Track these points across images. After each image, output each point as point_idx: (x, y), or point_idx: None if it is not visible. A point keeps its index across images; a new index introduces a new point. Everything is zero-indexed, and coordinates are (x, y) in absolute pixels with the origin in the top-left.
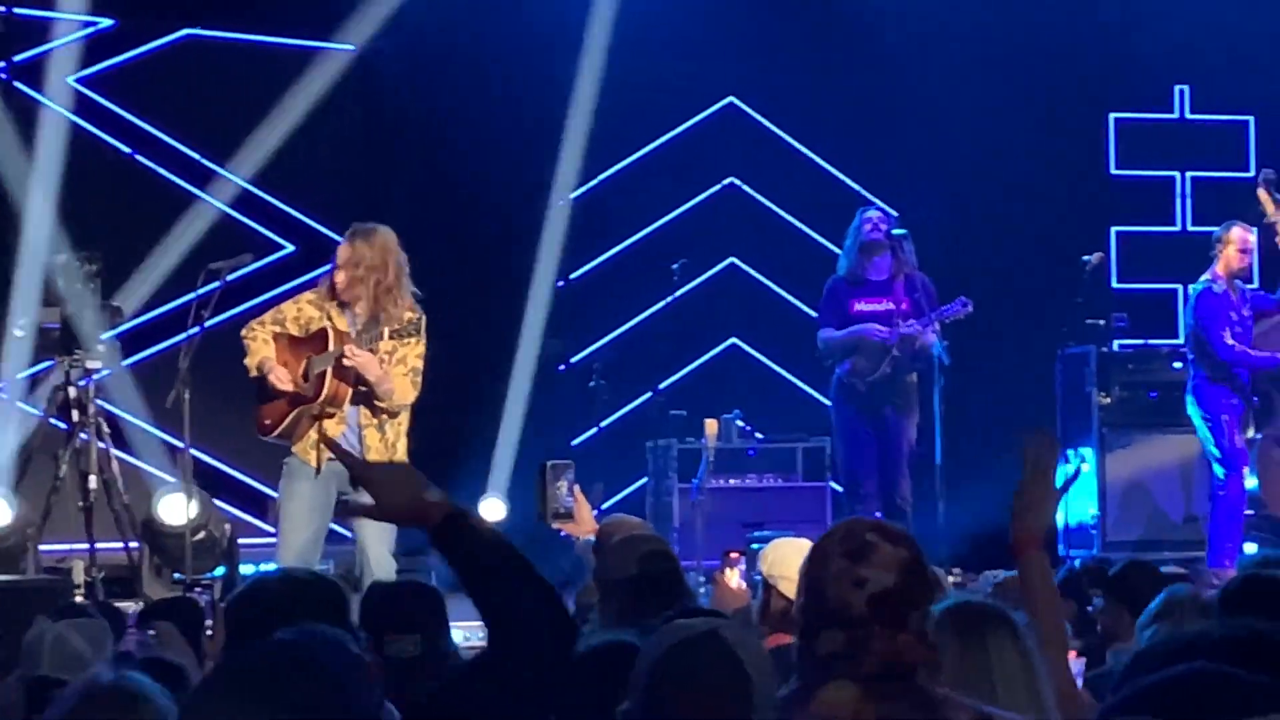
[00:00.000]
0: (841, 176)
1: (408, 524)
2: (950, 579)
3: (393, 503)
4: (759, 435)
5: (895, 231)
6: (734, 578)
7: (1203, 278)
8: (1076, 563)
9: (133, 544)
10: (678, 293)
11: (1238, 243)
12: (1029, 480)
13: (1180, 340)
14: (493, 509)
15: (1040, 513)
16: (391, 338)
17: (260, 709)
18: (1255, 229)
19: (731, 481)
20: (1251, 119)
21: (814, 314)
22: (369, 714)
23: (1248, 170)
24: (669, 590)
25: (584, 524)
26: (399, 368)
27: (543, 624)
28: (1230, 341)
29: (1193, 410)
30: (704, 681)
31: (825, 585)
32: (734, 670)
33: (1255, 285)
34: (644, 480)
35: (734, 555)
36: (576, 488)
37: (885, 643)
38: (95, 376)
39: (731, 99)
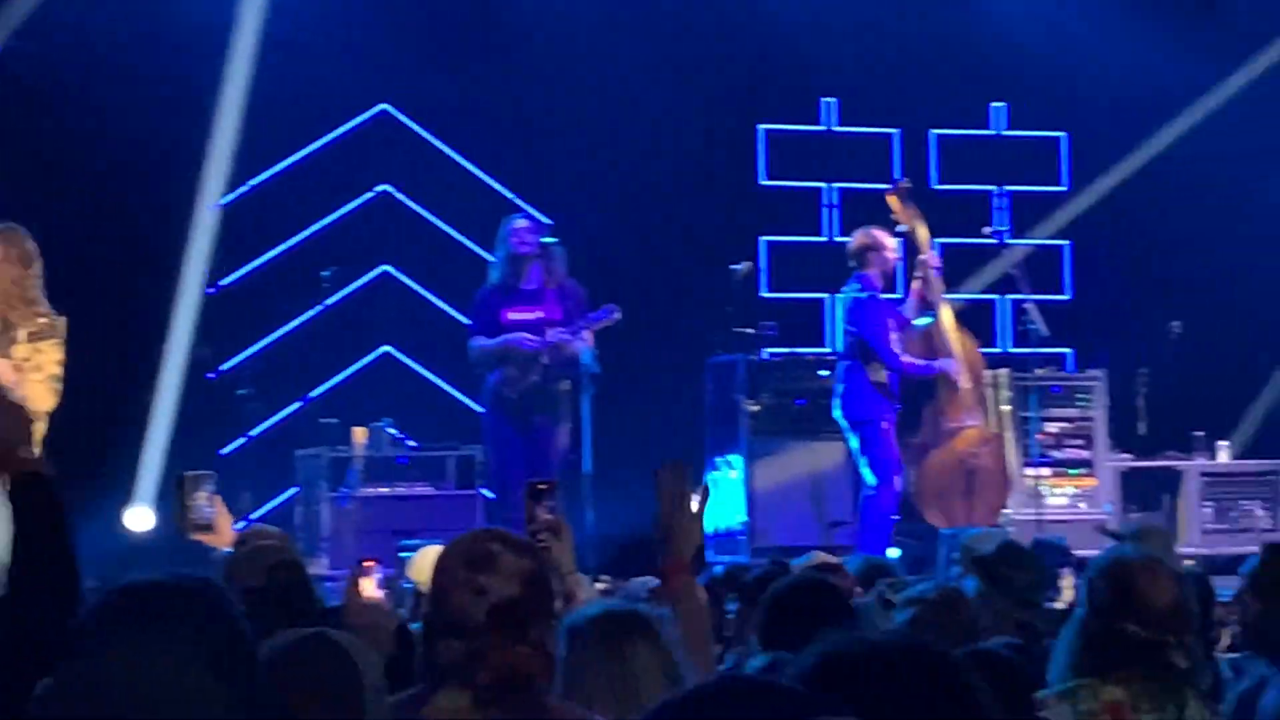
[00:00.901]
0: (495, 184)
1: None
2: (598, 586)
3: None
4: (411, 443)
5: (546, 240)
6: (368, 586)
7: (855, 285)
8: (717, 569)
9: None
10: (329, 300)
11: (891, 249)
12: (667, 510)
13: (827, 349)
14: (140, 518)
15: (685, 540)
16: (28, 341)
17: None
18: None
19: (382, 490)
20: (897, 131)
21: (467, 322)
22: None
23: (893, 182)
24: (297, 601)
25: (223, 535)
26: (35, 374)
27: (59, 587)
28: (896, 350)
29: (843, 416)
30: (314, 684)
31: (447, 593)
32: (343, 673)
33: (897, 294)
34: (294, 490)
35: (368, 564)
36: (217, 498)
37: (502, 653)
38: None
39: (384, 106)
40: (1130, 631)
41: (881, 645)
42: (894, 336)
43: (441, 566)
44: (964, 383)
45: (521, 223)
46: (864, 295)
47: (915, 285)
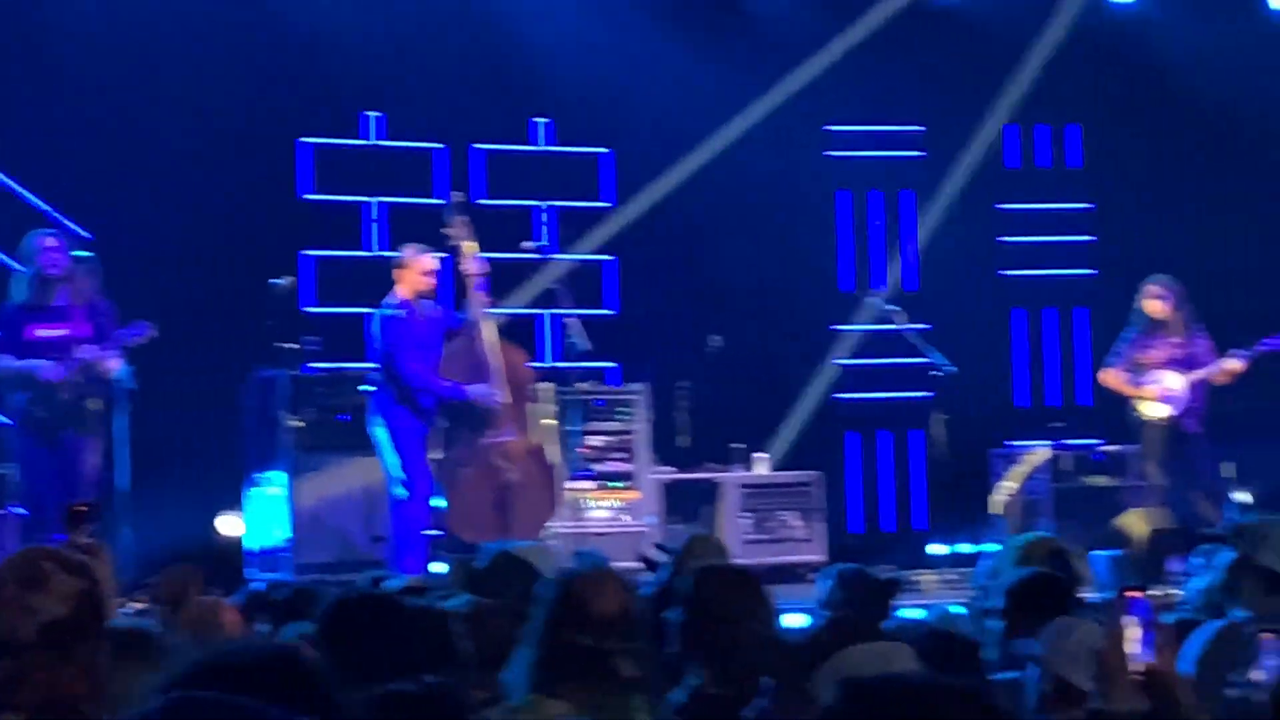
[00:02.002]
0: (28, 195)
1: None
2: (135, 604)
3: None
4: None
5: (78, 254)
6: None
7: (387, 300)
8: (258, 586)
9: None
10: None
11: (417, 264)
12: None
13: (371, 364)
14: None
15: None
16: None
17: None
18: (447, 252)
19: None
20: (441, 146)
21: None
22: None
23: (437, 196)
24: None
25: None
26: None
27: None
28: (416, 368)
29: (376, 430)
30: None
31: None
32: None
33: (441, 307)
34: None
35: None
36: None
37: (49, 673)
38: None
39: None
40: (577, 642)
41: (244, 651)
42: (414, 358)
43: None
44: (503, 398)
45: (51, 241)
46: (389, 312)
47: (470, 296)
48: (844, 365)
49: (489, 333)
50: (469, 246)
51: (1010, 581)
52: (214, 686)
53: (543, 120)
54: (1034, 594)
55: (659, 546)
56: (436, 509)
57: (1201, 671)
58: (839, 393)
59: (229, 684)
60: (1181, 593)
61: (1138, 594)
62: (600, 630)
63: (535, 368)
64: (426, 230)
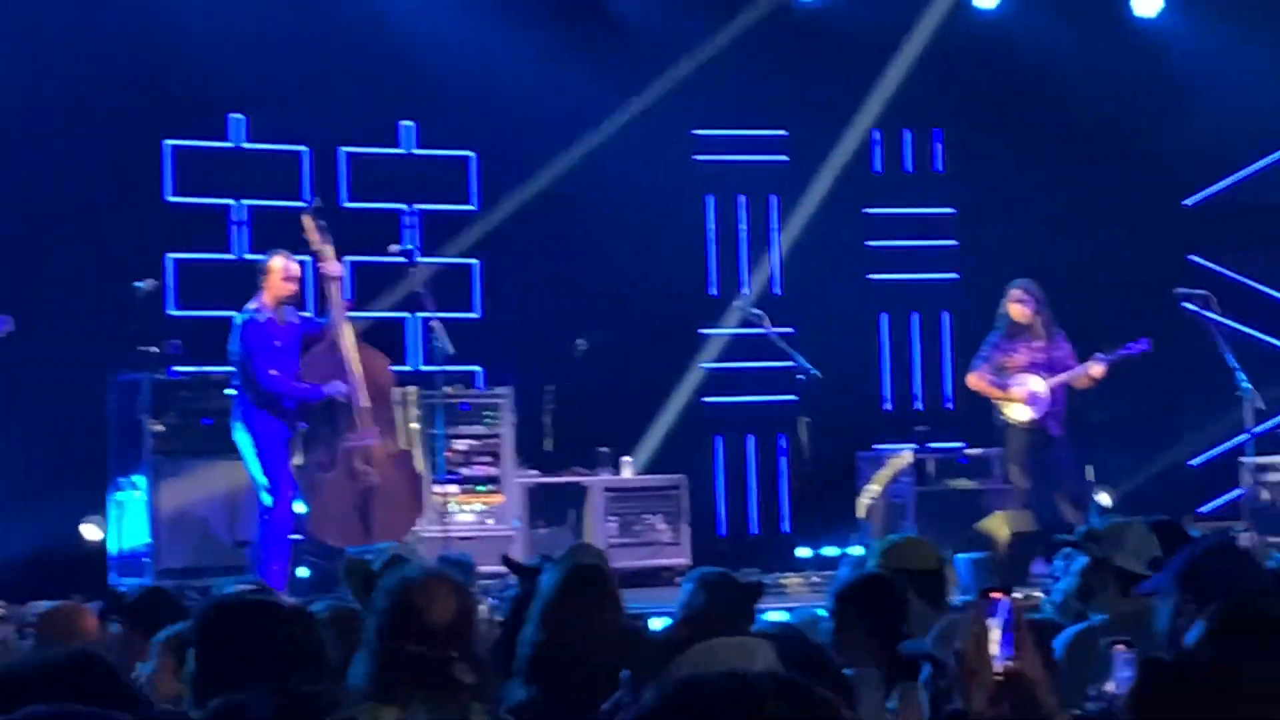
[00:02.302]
0: None
1: None
2: None
3: None
4: None
5: None
6: None
7: (249, 305)
8: (125, 589)
9: None
10: None
11: (281, 270)
12: None
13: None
14: None
15: None
16: None
17: None
18: (308, 257)
19: None
20: (306, 149)
21: None
22: None
23: (303, 199)
24: None
25: None
26: None
27: None
28: (273, 372)
29: (239, 436)
30: None
31: None
32: None
33: (309, 313)
34: None
35: None
36: None
37: None
38: None
39: None
40: (411, 651)
41: (45, 659)
42: (270, 363)
43: None
44: (362, 401)
45: None
46: (248, 316)
47: (331, 300)
48: (710, 369)
49: (348, 337)
50: (327, 250)
51: (839, 584)
52: (20, 696)
53: (409, 123)
54: (862, 596)
55: (544, 556)
56: (299, 513)
57: (1056, 675)
58: (705, 396)
59: (35, 693)
60: (1043, 595)
61: (999, 595)
62: (435, 638)
63: (400, 372)
64: (292, 233)
